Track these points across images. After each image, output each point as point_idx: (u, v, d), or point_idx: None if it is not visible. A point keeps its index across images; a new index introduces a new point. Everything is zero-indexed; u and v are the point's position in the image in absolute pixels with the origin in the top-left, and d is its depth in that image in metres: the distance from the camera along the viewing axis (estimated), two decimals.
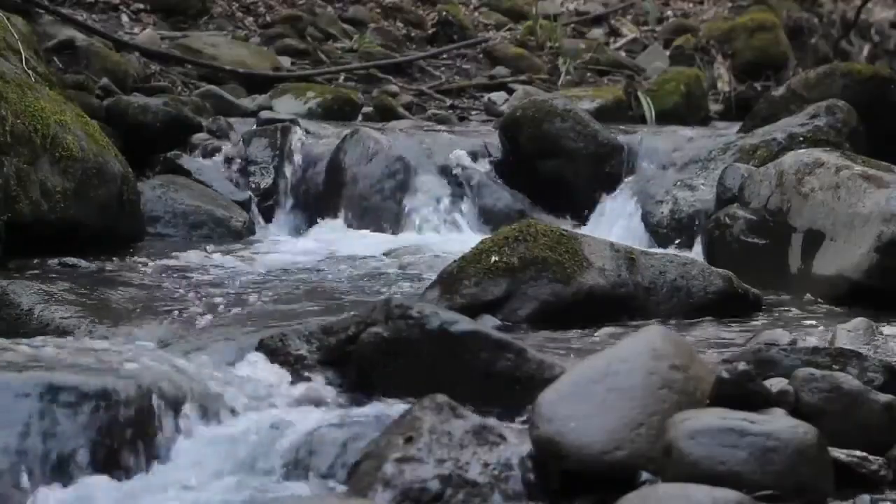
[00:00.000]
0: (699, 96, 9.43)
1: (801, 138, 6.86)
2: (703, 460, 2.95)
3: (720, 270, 5.10)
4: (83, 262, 5.68)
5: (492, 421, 3.30)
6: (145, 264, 5.87)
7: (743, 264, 5.53)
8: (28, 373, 3.42)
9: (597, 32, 11.62)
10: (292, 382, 3.76)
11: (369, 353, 3.70)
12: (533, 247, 4.82)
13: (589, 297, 4.82)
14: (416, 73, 10.15)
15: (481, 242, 4.97)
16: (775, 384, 3.29)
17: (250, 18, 10.50)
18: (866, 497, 3.11)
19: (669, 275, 5.00)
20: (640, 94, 9.22)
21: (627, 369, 3.18)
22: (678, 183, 7.03)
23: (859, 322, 4.39)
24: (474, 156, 7.54)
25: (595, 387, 3.16)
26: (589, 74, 10.47)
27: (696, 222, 6.71)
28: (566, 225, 6.73)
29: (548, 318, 4.73)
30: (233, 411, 3.57)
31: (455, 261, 4.93)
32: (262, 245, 6.76)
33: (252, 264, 6.05)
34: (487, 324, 4.40)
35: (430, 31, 10.95)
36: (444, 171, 7.40)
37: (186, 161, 7.37)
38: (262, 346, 3.90)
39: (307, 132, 7.76)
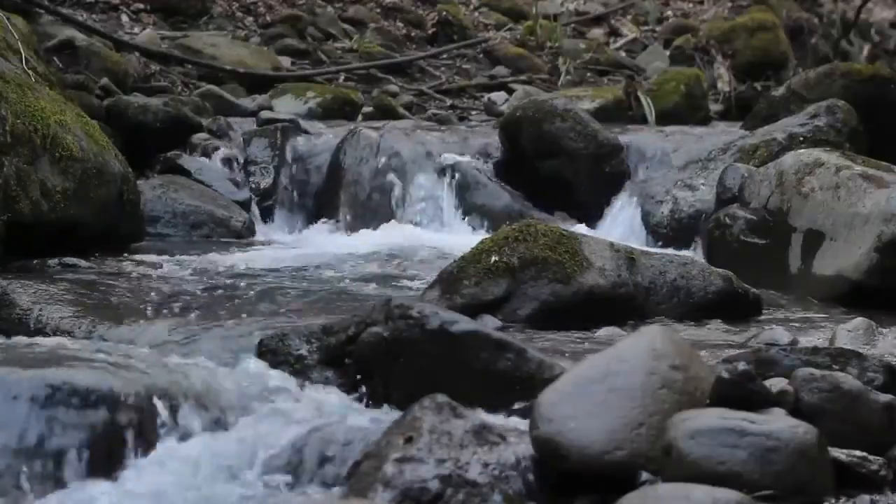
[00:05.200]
0: (699, 96, 9.43)
1: (801, 138, 6.86)
2: (703, 460, 2.95)
3: (720, 270, 5.10)
4: (83, 262, 5.68)
5: (492, 421, 3.30)
6: (145, 264, 5.87)
7: (743, 264, 5.53)
8: (26, 372, 3.42)
9: (597, 32, 11.61)
10: (292, 382, 3.76)
11: (369, 353, 3.70)
12: (533, 247, 4.82)
13: (589, 297, 4.82)
14: (416, 73, 10.15)
15: (481, 242, 4.97)
16: (775, 384, 3.29)
17: (250, 18, 10.50)
18: (866, 497, 3.11)
19: (669, 275, 5.00)
20: (640, 94, 9.21)
21: (627, 369, 3.18)
22: (678, 183, 7.04)
23: (859, 322, 4.39)
24: (474, 156, 7.54)
25: (595, 387, 3.16)
26: (589, 74, 10.47)
27: (697, 222, 6.71)
28: (566, 225, 6.73)
29: (548, 318, 4.73)
30: (232, 411, 3.57)
31: (455, 261, 4.93)
32: (262, 245, 6.76)
33: (252, 264, 6.04)
34: (487, 324, 4.39)
35: (430, 31, 10.95)
36: (444, 171, 7.40)
37: (186, 161, 7.38)
38: (262, 346, 3.90)
39: (307, 132, 7.76)
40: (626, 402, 3.13)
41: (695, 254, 6.02)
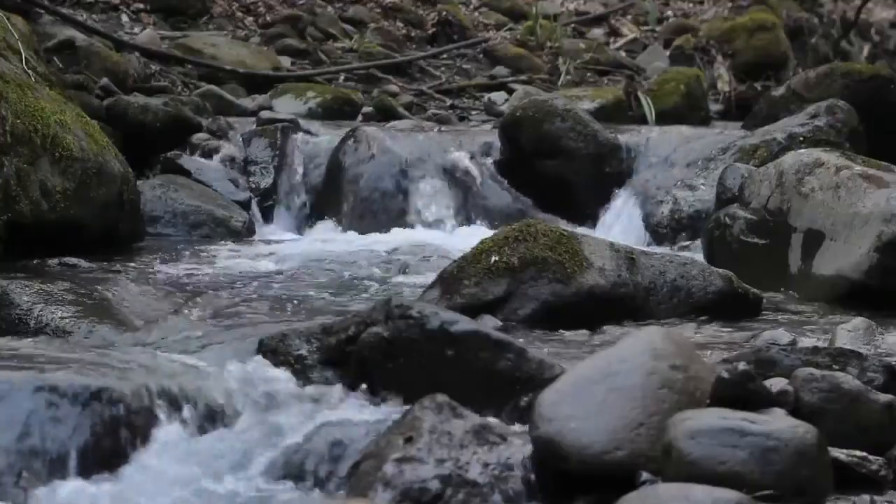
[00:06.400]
0: (699, 96, 9.43)
1: (801, 138, 6.87)
2: (703, 460, 2.95)
3: (720, 270, 5.10)
4: (83, 262, 5.68)
5: (492, 421, 3.30)
6: (145, 264, 5.88)
7: (743, 264, 5.53)
8: (26, 373, 3.42)
9: (597, 32, 11.61)
10: (292, 382, 3.76)
11: (369, 353, 3.70)
12: (533, 247, 4.82)
13: (589, 297, 4.82)
14: (416, 73, 10.15)
15: (481, 242, 4.97)
16: (775, 384, 3.29)
17: (250, 18, 10.50)
18: (866, 497, 3.11)
19: (669, 275, 5.00)
20: (640, 94, 9.21)
21: (627, 369, 3.18)
22: (678, 183, 7.04)
23: (859, 322, 4.39)
24: (474, 156, 7.54)
25: (595, 387, 3.16)
26: (589, 74, 10.48)
27: (697, 222, 6.71)
28: (566, 225, 6.73)
29: (548, 318, 4.73)
30: (232, 411, 3.57)
31: (455, 261, 4.93)
32: (261, 245, 6.76)
33: (252, 264, 6.05)
34: (487, 324, 4.40)
35: (430, 31, 10.95)
36: (444, 171, 7.40)
37: (186, 161, 7.38)
38: (262, 346, 3.90)
39: (307, 132, 7.76)
40: (626, 402, 3.13)
41: (694, 254, 6.01)
